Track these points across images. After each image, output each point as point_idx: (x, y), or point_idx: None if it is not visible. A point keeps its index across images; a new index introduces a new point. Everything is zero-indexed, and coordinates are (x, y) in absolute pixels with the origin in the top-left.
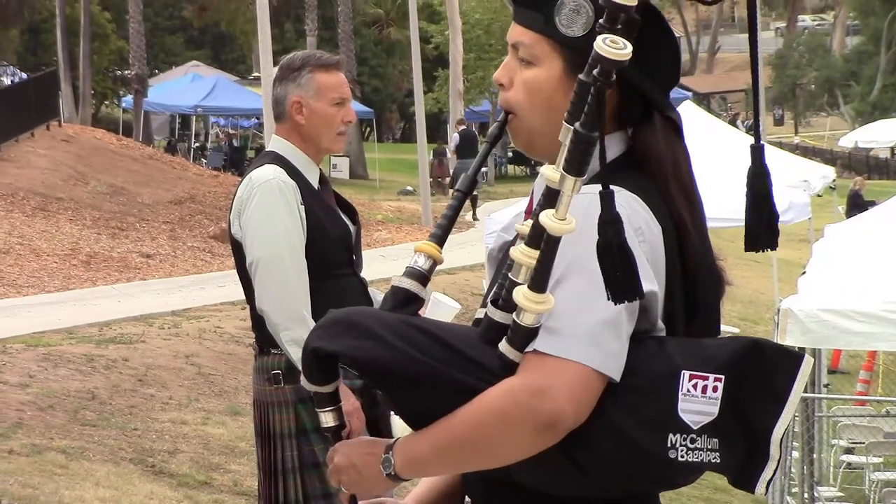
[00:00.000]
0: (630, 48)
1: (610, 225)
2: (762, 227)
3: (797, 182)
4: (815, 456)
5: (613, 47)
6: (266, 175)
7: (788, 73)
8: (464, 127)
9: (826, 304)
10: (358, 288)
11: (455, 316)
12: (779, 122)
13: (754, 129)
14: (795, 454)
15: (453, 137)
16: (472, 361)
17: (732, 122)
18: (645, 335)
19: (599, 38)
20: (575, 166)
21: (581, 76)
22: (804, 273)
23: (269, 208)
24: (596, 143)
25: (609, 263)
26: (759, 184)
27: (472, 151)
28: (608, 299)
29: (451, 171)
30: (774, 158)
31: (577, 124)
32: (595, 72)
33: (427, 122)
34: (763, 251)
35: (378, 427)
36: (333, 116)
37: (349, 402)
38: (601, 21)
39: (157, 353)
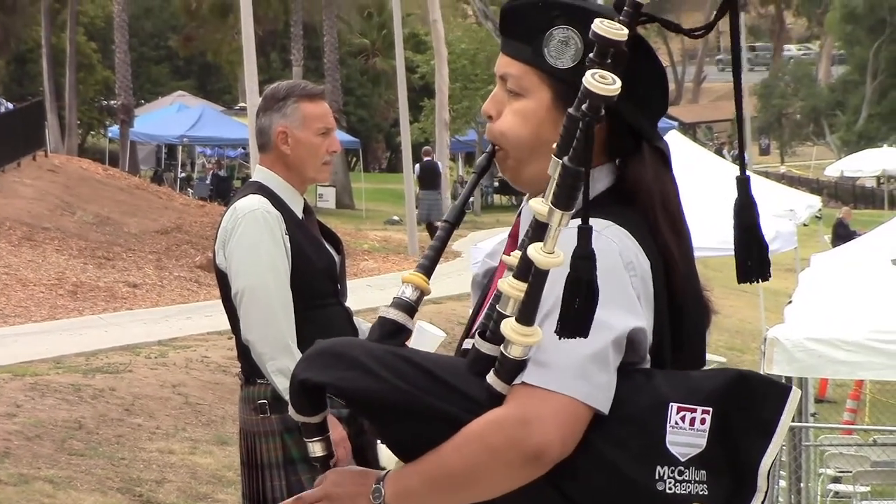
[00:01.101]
0: (619, 83)
1: (583, 260)
2: (752, 258)
3: (783, 211)
4: (802, 485)
5: (602, 83)
6: (251, 205)
7: (774, 103)
8: (427, 158)
9: (812, 334)
10: (343, 317)
11: (440, 345)
12: (765, 151)
13: (740, 161)
14: (783, 483)
15: (415, 168)
16: (459, 392)
17: (719, 152)
18: (633, 367)
19: (588, 74)
20: (563, 200)
21: (570, 110)
22: (790, 302)
23: (253, 238)
24: (587, 178)
25: (571, 298)
26: (745, 215)
27: (433, 183)
28: (555, 331)
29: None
30: (760, 188)
31: (565, 159)
32: (584, 107)
33: (413, 152)
34: (756, 282)
35: (365, 456)
36: (318, 146)
37: (336, 431)
38: (591, 55)
39: (144, 383)
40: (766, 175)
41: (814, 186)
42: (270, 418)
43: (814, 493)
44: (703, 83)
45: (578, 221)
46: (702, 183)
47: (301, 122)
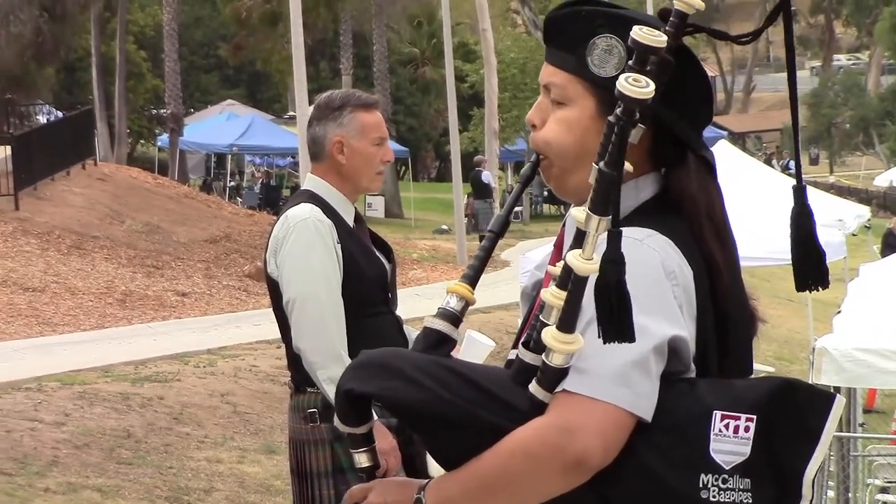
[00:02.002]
0: (652, 87)
1: (612, 265)
2: (810, 266)
3: (832, 221)
4: (850, 495)
5: (636, 86)
6: (302, 214)
7: (824, 113)
8: (477, 168)
9: (861, 344)
10: (394, 326)
11: (490, 354)
12: (814, 161)
13: (796, 170)
14: (831, 493)
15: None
16: (503, 402)
17: (768, 162)
18: (676, 376)
19: (622, 77)
20: (599, 206)
21: (610, 117)
22: (839, 312)
23: (305, 247)
24: (620, 182)
25: (605, 302)
26: (802, 224)
27: (484, 192)
28: (599, 336)
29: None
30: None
31: (600, 164)
32: (618, 111)
33: (462, 161)
34: (814, 290)
35: (414, 465)
36: (374, 156)
37: (386, 440)
38: (630, 62)
39: (192, 392)
40: (816, 185)
41: (863, 196)
42: (320, 427)
43: (861, 502)
44: (752, 93)
45: (625, 230)
46: (751, 193)
47: (358, 132)
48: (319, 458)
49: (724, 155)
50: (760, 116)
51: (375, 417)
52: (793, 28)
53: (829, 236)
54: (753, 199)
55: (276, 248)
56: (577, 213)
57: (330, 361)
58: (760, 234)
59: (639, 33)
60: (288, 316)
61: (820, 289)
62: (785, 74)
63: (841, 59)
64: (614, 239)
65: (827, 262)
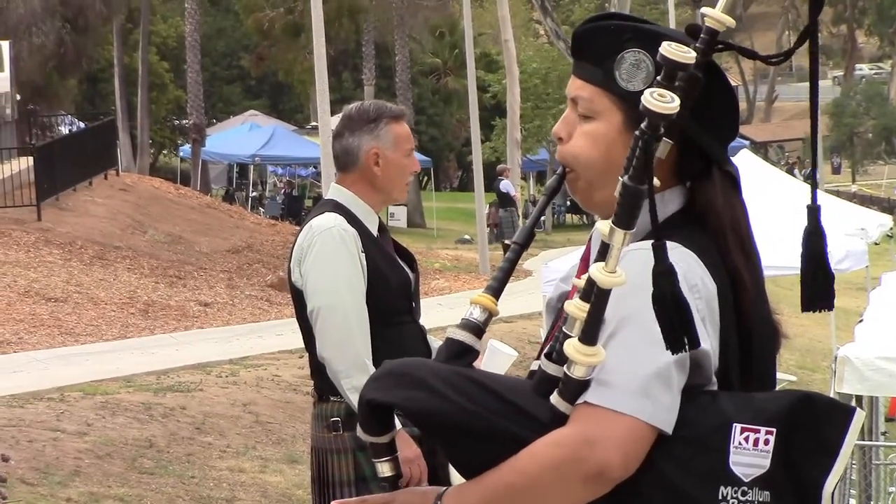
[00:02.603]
0: (677, 102)
1: (663, 276)
2: (818, 287)
3: (854, 230)
4: None
5: (661, 101)
6: (327, 223)
7: (846, 122)
8: (499, 178)
9: (883, 352)
10: (417, 335)
11: (512, 364)
12: (836, 170)
13: (811, 189)
14: (853, 502)
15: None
16: (524, 413)
17: (790, 171)
18: (698, 389)
19: (647, 92)
20: (624, 219)
21: (637, 131)
22: (861, 321)
23: (330, 256)
24: (644, 196)
25: (665, 314)
26: (814, 242)
27: (506, 202)
28: (667, 349)
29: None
30: (832, 207)
31: (625, 177)
32: (643, 125)
33: (485, 171)
34: (819, 311)
35: (437, 475)
36: (406, 167)
37: (411, 449)
38: (658, 78)
39: (214, 402)
40: (838, 194)
41: (885, 205)
42: (343, 436)
43: None
44: (774, 102)
45: (648, 243)
46: (773, 202)
47: (392, 143)
48: (342, 466)
49: (747, 165)
50: (783, 126)
51: (399, 427)
52: (818, 55)
53: (852, 245)
54: (776, 209)
55: (300, 257)
56: (603, 227)
57: (354, 370)
58: (783, 244)
59: (668, 49)
60: (312, 325)
61: (827, 310)
62: (807, 83)
63: (863, 69)
64: (660, 251)
65: (835, 278)
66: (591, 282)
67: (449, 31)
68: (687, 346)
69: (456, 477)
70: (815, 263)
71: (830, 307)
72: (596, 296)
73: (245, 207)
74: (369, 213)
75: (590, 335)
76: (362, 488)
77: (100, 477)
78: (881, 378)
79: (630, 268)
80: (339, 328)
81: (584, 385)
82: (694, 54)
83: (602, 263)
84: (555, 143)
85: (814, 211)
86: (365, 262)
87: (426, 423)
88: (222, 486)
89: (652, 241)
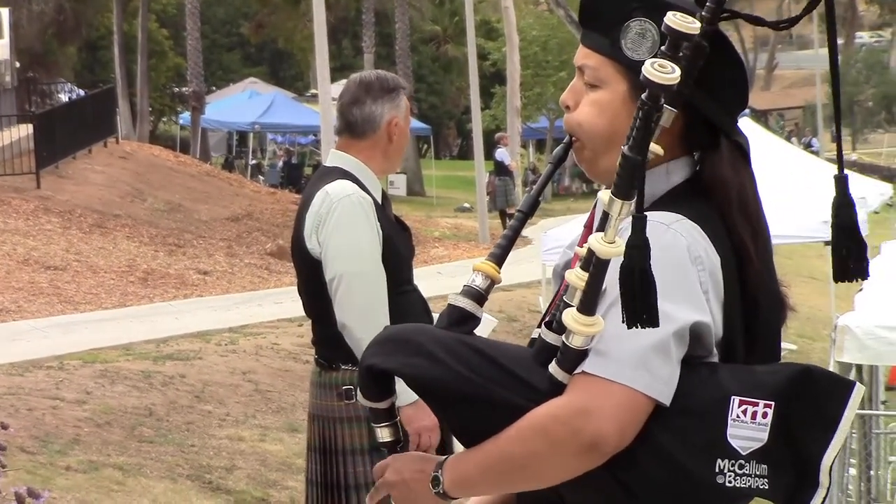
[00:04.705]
0: (678, 73)
1: (636, 250)
2: (851, 257)
3: (854, 199)
4: (872, 473)
5: (661, 71)
6: (345, 190)
7: (846, 90)
8: (499, 146)
9: (883, 321)
10: (421, 303)
11: (492, 330)
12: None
13: (838, 160)
14: (853, 471)
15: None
16: (523, 382)
17: (787, 139)
18: (699, 361)
19: (648, 63)
20: (623, 190)
21: (637, 101)
22: (861, 290)
23: (351, 223)
24: (643, 167)
25: (629, 288)
26: (844, 214)
27: (504, 170)
28: (622, 321)
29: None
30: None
31: (624, 148)
32: (643, 96)
33: (484, 139)
34: (854, 281)
35: (444, 444)
36: (408, 137)
37: (430, 418)
38: (662, 48)
39: (213, 370)
40: None
41: (885, 174)
42: (356, 404)
43: (884, 480)
44: (774, 70)
45: (653, 214)
46: (772, 171)
47: (405, 114)
48: (354, 435)
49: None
50: (783, 94)
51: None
52: (835, 19)
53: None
54: (775, 177)
55: (317, 224)
56: (604, 196)
57: None
58: (783, 212)
59: (672, 19)
60: (332, 292)
61: (860, 280)
62: (807, 52)
63: (863, 37)
64: (639, 224)
65: (867, 251)
66: (591, 252)
67: None
68: (646, 323)
69: (459, 448)
70: (846, 234)
71: (865, 276)
72: (595, 266)
73: (244, 175)
74: (375, 181)
75: (588, 305)
76: (376, 457)
77: (99, 445)
78: (881, 347)
79: (626, 237)
80: (365, 295)
81: (582, 355)
82: (698, 24)
83: (601, 234)
84: (554, 112)
85: (842, 181)
86: (380, 230)
87: (425, 389)
88: (222, 454)
89: (633, 214)
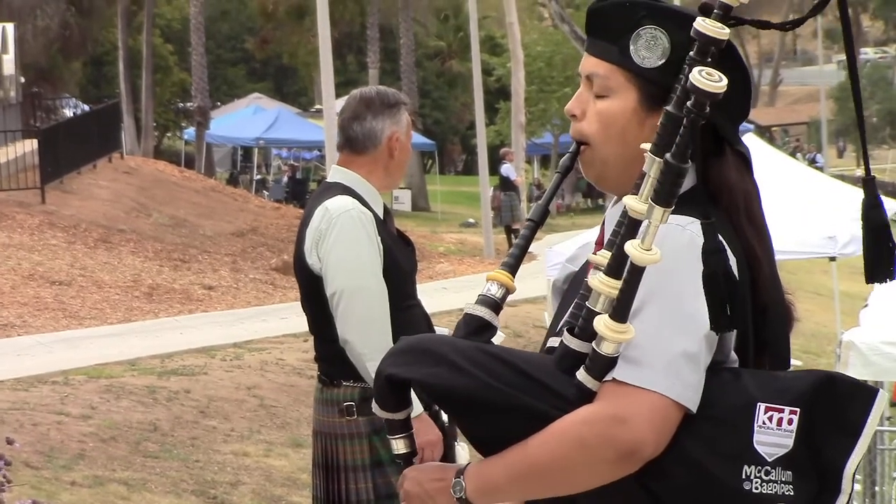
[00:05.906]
0: (725, 81)
1: (713, 255)
2: (882, 257)
3: (860, 214)
4: (876, 489)
5: (709, 79)
6: (345, 205)
7: (851, 106)
8: (503, 161)
9: (888, 337)
10: (423, 319)
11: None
12: (841, 154)
13: (864, 162)
14: (857, 487)
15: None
16: (548, 389)
17: (792, 155)
18: (719, 366)
19: (695, 71)
20: (664, 197)
21: (669, 108)
22: (866, 306)
23: (352, 238)
24: (686, 174)
25: (716, 293)
26: (874, 215)
27: (509, 185)
28: (711, 328)
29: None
30: (837, 191)
31: (668, 155)
32: (689, 103)
33: (489, 155)
34: (884, 282)
35: (446, 457)
36: (410, 154)
37: (434, 432)
38: (691, 54)
39: (218, 385)
40: (843, 178)
41: (890, 190)
42: (357, 420)
43: (888, 496)
44: (779, 86)
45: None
46: (777, 186)
47: (406, 129)
48: (356, 451)
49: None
50: (787, 110)
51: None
52: (850, 20)
53: (857, 229)
54: (780, 193)
55: (317, 239)
56: (634, 204)
57: (378, 353)
58: (788, 228)
59: (703, 25)
60: (333, 308)
61: (888, 280)
62: (811, 68)
63: (868, 53)
64: (710, 229)
65: (851, 255)
66: (621, 258)
67: (453, 14)
68: (731, 327)
69: (462, 460)
70: (878, 235)
71: (893, 278)
72: (630, 272)
73: (249, 190)
74: (376, 197)
75: (622, 312)
76: (377, 473)
77: (104, 460)
78: (886, 363)
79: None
80: (365, 310)
81: (612, 362)
82: (728, 30)
83: (637, 241)
84: (559, 127)
85: (870, 183)
86: (381, 245)
87: (447, 399)
88: (226, 469)
89: (701, 220)
